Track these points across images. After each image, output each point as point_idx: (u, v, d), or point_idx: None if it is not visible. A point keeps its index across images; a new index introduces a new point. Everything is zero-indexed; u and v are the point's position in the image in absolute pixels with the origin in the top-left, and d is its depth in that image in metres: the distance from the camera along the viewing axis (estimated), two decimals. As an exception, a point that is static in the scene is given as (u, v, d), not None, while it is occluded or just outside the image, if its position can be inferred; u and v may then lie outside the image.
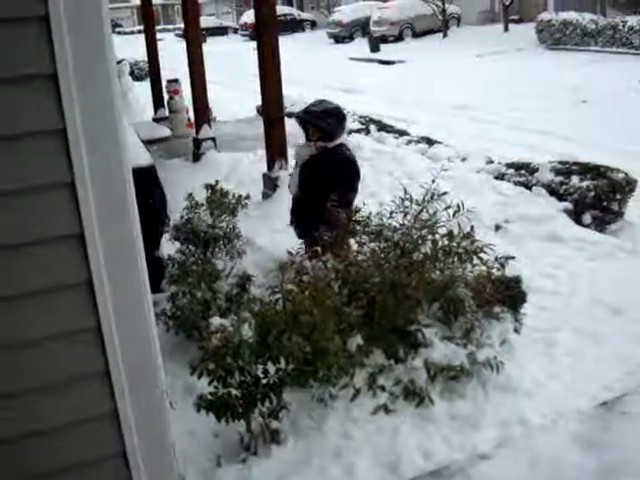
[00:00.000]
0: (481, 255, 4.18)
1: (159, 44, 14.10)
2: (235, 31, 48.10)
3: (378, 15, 32.05)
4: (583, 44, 22.43)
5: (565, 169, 7.22)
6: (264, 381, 3.46)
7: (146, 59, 14.68)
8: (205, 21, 37.64)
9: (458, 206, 4.19)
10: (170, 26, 56.61)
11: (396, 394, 3.86)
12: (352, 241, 4.61)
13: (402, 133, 10.97)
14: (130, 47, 25.64)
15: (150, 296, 2.34)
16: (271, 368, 3.49)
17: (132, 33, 47.40)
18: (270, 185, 7.74)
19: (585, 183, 6.77)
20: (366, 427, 3.67)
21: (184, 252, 5.17)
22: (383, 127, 11.42)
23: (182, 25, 13.86)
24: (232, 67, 23.89)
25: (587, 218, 6.66)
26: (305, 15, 46.11)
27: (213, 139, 10.31)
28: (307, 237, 4.93)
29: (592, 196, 6.67)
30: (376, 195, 7.13)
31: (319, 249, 4.29)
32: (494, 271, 4.31)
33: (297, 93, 13.61)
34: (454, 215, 4.19)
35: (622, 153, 8.96)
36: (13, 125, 1.99)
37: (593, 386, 3.95)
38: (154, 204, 4.97)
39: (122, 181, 2.15)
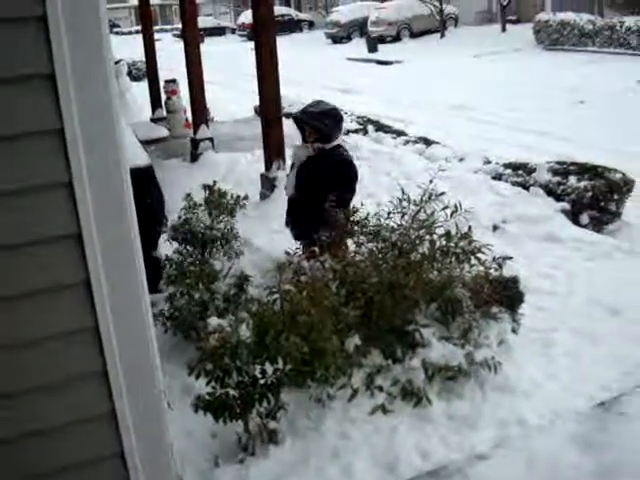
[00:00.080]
0: (479, 255, 4.18)
1: (157, 44, 14.09)
2: (233, 31, 48.09)
3: (376, 15, 32.06)
4: (581, 45, 22.45)
5: (563, 169, 7.23)
6: (262, 381, 3.46)
7: (144, 59, 14.67)
8: (203, 21, 37.53)
9: (456, 206, 4.20)
10: (168, 26, 56.58)
11: (394, 394, 3.86)
12: (350, 241, 4.61)
13: (400, 133, 10.97)
14: (128, 47, 25.58)
15: (148, 296, 2.33)
16: (269, 368, 3.49)
17: (130, 33, 47.32)
18: (268, 185, 7.74)
19: (583, 183, 6.78)
20: (364, 427, 3.67)
21: (182, 252, 5.17)
22: (381, 127, 11.42)
23: (180, 25, 13.85)
24: (230, 67, 23.89)
25: (584, 218, 6.67)
26: (303, 15, 46.10)
27: (211, 139, 10.31)
28: (304, 239, 4.93)
29: (589, 196, 6.68)
30: (374, 195, 7.13)
31: (317, 249, 4.29)
32: (492, 271, 4.31)
33: (295, 93, 13.61)
34: (452, 215, 4.19)
35: (619, 153, 8.98)
36: (11, 125, 1.99)
37: (590, 386, 3.96)
38: (152, 204, 4.96)
39: (120, 181, 2.15)
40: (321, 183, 4.85)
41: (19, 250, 2.09)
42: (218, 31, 48.98)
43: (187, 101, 11.07)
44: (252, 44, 8.07)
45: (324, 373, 3.60)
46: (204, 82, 10.56)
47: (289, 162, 6.13)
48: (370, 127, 11.33)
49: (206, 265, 4.86)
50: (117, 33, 49.79)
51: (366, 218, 4.46)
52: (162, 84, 12.85)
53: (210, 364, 3.30)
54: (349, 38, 34.72)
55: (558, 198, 6.87)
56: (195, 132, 10.45)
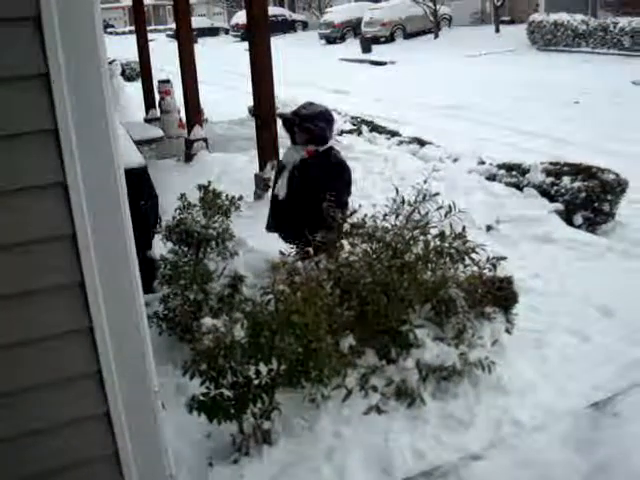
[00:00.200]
0: (473, 256, 4.19)
1: (150, 44, 14.07)
2: (226, 32, 48.11)
3: (370, 16, 32.11)
4: (574, 45, 22.55)
5: (556, 170, 7.24)
6: (256, 382, 3.46)
7: (137, 59, 14.64)
8: (196, 22, 37.59)
9: (450, 207, 4.21)
10: (161, 26, 56.59)
11: (388, 394, 3.86)
12: (345, 242, 4.61)
13: (394, 134, 11.00)
14: (121, 47, 25.56)
15: (142, 297, 2.33)
16: (263, 369, 3.48)
17: (124, 34, 47.29)
18: (262, 185, 7.74)
19: (576, 184, 6.79)
20: (358, 427, 3.67)
21: (176, 252, 5.16)
22: (375, 128, 11.45)
23: (173, 25, 13.83)
24: (224, 68, 23.87)
25: (578, 219, 6.68)
26: (297, 16, 46.13)
27: (205, 139, 10.31)
28: (295, 240, 4.90)
29: (583, 197, 6.68)
30: (368, 196, 7.13)
31: (311, 250, 4.29)
32: (486, 272, 4.32)
33: (288, 94, 13.60)
34: (446, 216, 4.20)
35: (614, 153, 9.00)
36: (4, 125, 1.99)
37: (584, 386, 3.96)
38: (146, 204, 4.96)
39: (114, 181, 2.14)
40: (320, 185, 4.82)
41: (14, 250, 2.08)
42: (212, 31, 49.02)
43: (181, 101, 11.05)
44: (246, 44, 8.07)
45: (318, 373, 3.60)
46: (198, 82, 10.55)
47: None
48: (364, 128, 11.36)
49: (200, 265, 4.85)
50: (111, 33, 49.77)
51: (363, 220, 4.46)
52: (156, 84, 12.82)
53: (204, 364, 3.30)
54: (343, 39, 34.77)
55: (552, 199, 6.88)
56: (189, 132, 10.44)
